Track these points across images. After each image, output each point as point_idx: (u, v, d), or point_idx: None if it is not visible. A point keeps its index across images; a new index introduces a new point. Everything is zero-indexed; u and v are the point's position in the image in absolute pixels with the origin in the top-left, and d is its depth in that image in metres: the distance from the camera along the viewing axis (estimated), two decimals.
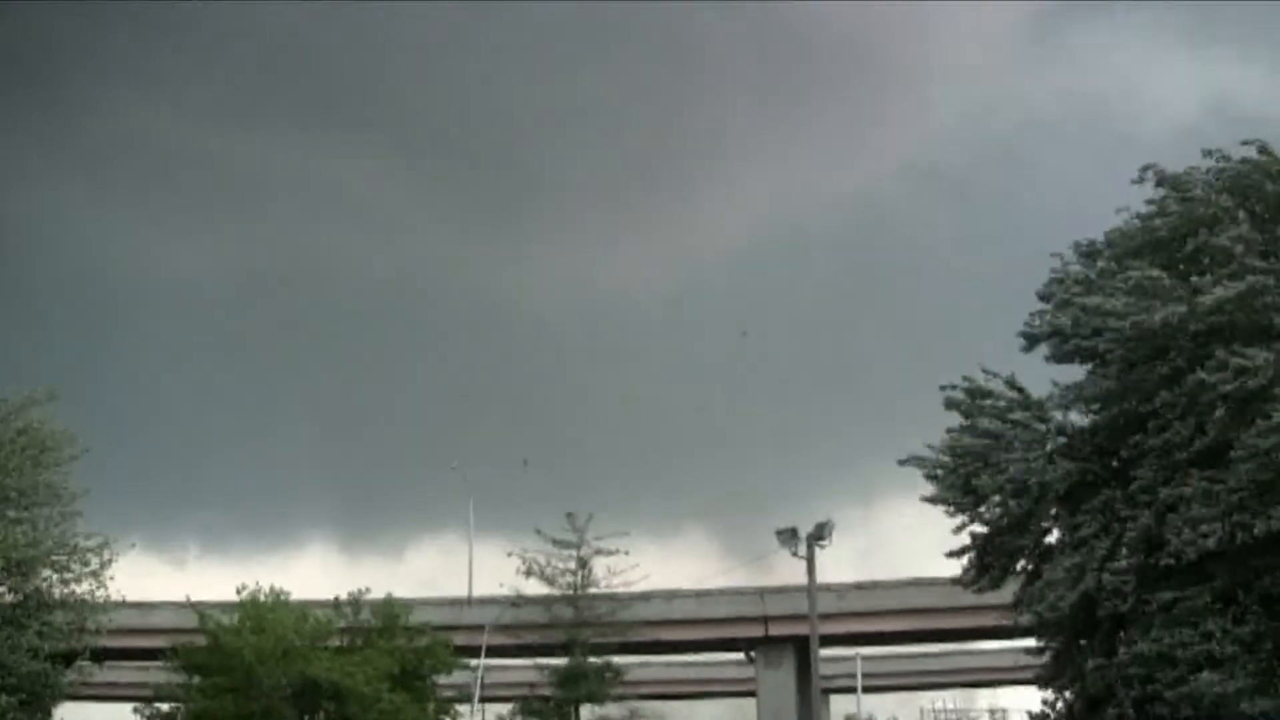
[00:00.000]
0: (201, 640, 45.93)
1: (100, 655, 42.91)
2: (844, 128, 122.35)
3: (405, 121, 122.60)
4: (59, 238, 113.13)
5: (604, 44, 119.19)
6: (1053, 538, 30.52)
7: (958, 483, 30.34)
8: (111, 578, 40.43)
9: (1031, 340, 30.52)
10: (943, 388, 31.24)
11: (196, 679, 45.39)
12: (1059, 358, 30.15)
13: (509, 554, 51.55)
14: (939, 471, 30.73)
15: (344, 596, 49.50)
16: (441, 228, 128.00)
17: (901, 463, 31.36)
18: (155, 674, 51.00)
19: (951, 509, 30.91)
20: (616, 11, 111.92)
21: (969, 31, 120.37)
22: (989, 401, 30.91)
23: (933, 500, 31.05)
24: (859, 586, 59.74)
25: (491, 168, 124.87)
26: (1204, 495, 26.18)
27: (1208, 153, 28.87)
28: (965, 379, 31.17)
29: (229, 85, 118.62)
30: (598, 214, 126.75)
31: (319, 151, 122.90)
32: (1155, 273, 27.97)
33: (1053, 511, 29.78)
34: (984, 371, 31.21)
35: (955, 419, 31.22)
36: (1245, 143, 28.83)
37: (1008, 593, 32.31)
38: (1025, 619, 30.73)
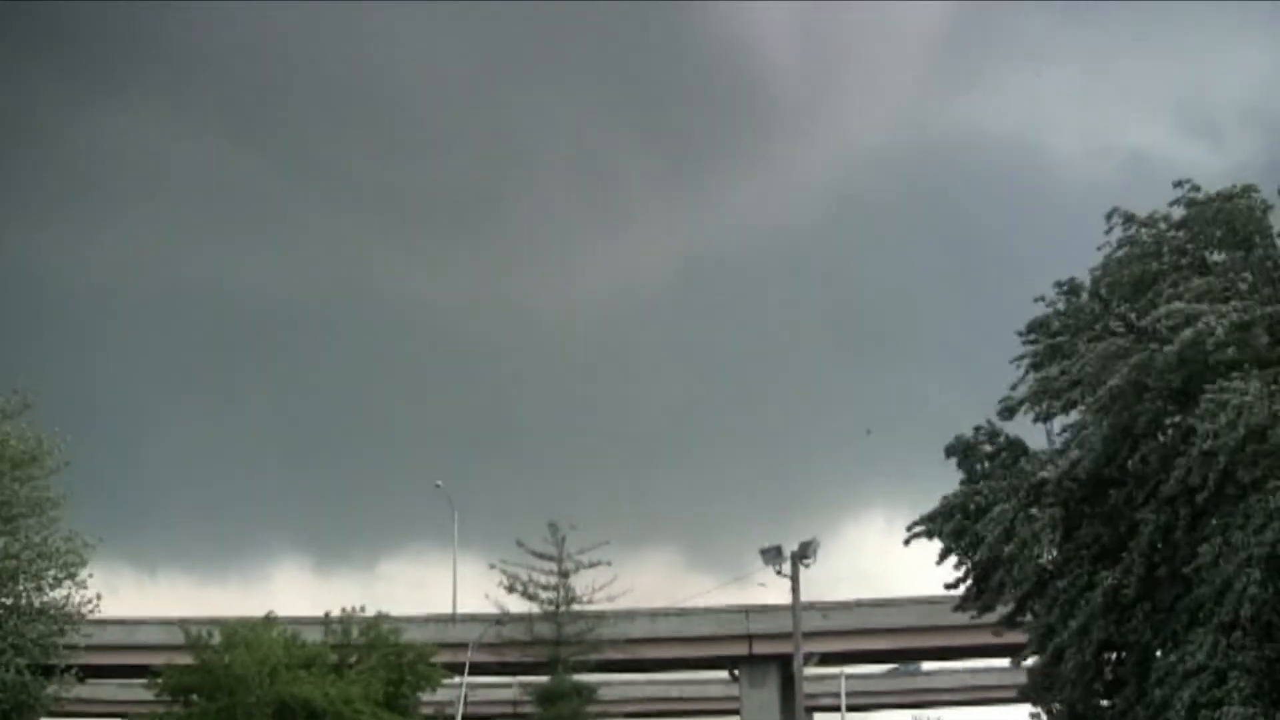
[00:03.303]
0: (186, 658, 45.92)
1: (86, 672, 42.75)
2: (773, 160, 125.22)
3: (346, 136, 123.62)
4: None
5: (548, 55, 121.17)
6: (1045, 559, 30.84)
7: (950, 532, 30.97)
8: (90, 575, 40.27)
9: (1010, 412, 31.18)
10: (948, 447, 32.33)
11: (180, 698, 45.45)
12: (1040, 418, 30.78)
13: (490, 566, 51.56)
14: (938, 530, 31.35)
15: (326, 613, 49.72)
16: (406, 238, 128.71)
17: (907, 542, 31.93)
18: (139, 690, 50.97)
19: (951, 555, 31.54)
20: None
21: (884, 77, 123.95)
22: (982, 447, 31.84)
23: (944, 554, 31.57)
24: (843, 605, 59.89)
25: (443, 178, 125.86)
26: (1228, 552, 25.51)
27: (1179, 183, 29.31)
28: (957, 438, 32.23)
29: (180, 93, 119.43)
30: (575, 211, 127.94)
31: (263, 166, 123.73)
32: (1118, 340, 28.50)
33: (1041, 549, 30.01)
34: (975, 429, 32.07)
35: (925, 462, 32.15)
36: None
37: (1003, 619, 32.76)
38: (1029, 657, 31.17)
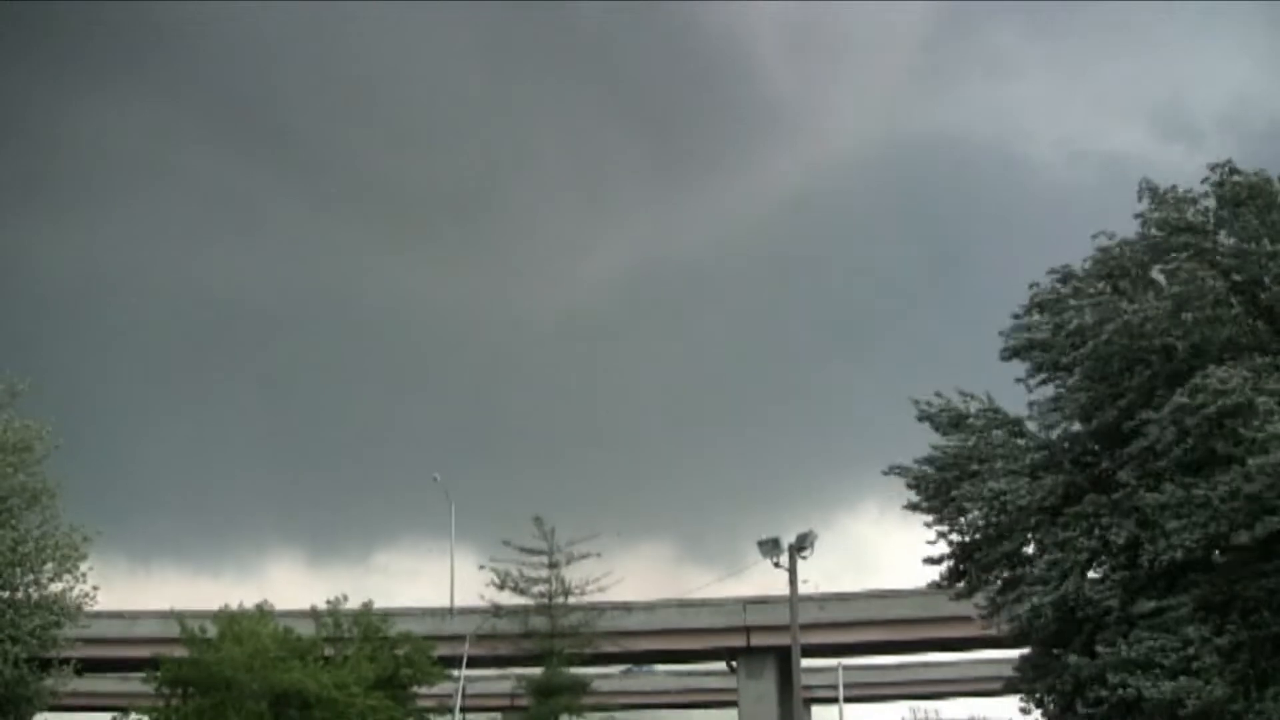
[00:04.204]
0: (183, 651, 45.92)
1: (84, 665, 42.67)
2: (747, 161, 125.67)
3: (341, 136, 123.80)
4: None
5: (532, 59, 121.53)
6: (1031, 548, 30.69)
7: (939, 490, 30.57)
8: (91, 568, 40.11)
9: (1014, 353, 30.77)
10: (916, 402, 31.68)
11: (177, 691, 45.47)
12: (1039, 369, 30.45)
13: (480, 567, 51.53)
14: (921, 481, 30.95)
15: (313, 607, 49.75)
16: (402, 237, 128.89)
17: (885, 472, 31.61)
18: (137, 684, 50.96)
19: (931, 519, 31.16)
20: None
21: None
22: (968, 420, 31.30)
23: (914, 508, 31.24)
24: (840, 597, 59.83)
25: (439, 177, 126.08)
26: (1181, 504, 26.36)
27: (1214, 167, 29.11)
28: (938, 395, 31.62)
29: (176, 92, 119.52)
30: (570, 210, 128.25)
31: (259, 165, 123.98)
32: (1125, 285, 28.65)
33: (1033, 520, 29.91)
34: (959, 393, 31.59)
35: (921, 435, 31.74)
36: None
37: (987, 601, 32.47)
38: (1004, 626, 30.93)
